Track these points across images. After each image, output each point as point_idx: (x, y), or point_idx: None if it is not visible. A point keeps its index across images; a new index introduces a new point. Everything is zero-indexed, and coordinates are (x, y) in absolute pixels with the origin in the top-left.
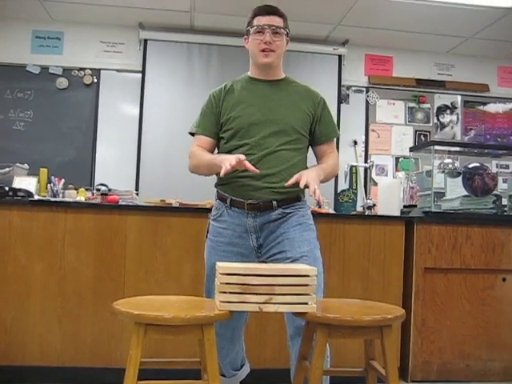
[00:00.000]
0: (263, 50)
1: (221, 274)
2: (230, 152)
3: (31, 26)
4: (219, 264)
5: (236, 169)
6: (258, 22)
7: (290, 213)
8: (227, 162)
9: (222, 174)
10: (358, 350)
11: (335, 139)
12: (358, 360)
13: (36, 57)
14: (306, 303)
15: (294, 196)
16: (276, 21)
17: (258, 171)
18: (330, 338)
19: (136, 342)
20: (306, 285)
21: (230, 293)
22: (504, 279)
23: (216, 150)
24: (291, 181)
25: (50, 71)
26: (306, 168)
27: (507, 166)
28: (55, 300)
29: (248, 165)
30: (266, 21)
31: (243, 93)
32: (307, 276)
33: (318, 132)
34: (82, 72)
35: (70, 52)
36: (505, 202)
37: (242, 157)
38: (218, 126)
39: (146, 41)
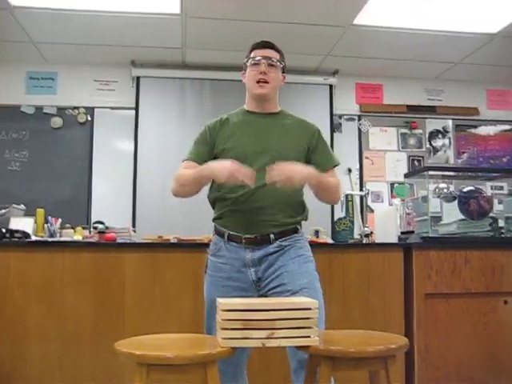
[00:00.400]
0: (258, 81)
1: (222, 310)
2: (224, 184)
3: (25, 68)
4: (220, 300)
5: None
6: (254, 55)
7: (287, 245)
8: (223, 169)
9: (221, 181)
10: (362, 380)
11: (334, 169)
12: None
13: (30, 97)
14: (309, 336)
15: (292, 228)
16: (272, 54)
17: (253, 184)
18: (334, 370)
19: (139, 382)
20: (308, 318)
21: (232, 329)
22: (505, 302)
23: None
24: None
25: (45, 111)
26: (302, 199)
27: (502, 188)
28: (54, 341)
29: (244, 173)
30: (262, 53)
31: (239, 124)
32: (309, 309)
33: (315, 162)
34: (76, 111)
35: (63, 91)
36: (501, 223)
37: (236, 165)
38: (210, 155)
39: (138, 78)
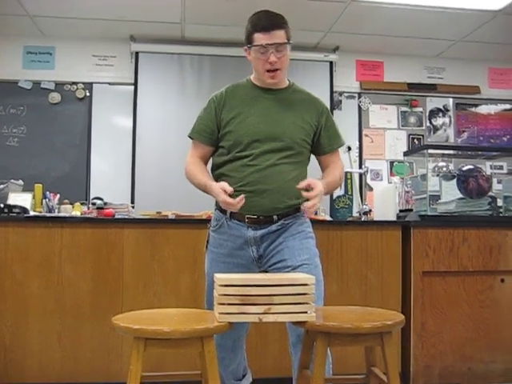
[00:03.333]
0: (268, 71)
1: (219, 285)
2: (229, 162)
3: (22, 42)
4: (217, 276)
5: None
6: (258, 41)
7: (289, 222)
8: (221, 198)
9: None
10: (358, 356)
11: (339, 149)
12: (359, 366)
13: (28, 72)
14: (306, 312)
15: (294, 208)
16: (278, 36)
17: (239, 207)
18: (330, 346)
19: (136, 356)
20: (305, 294)
21: (229, 304)
22: (502, 280)
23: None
24: (303, 184)
25: (42, 86)
26: (306, 176)
27: (501, 167)
28: (53, 316)
29: (233, 206)
30: (267, 39)
31: (245, 101)
32: (305, 285)
33: (322, 143)
34: (75, 86)
35: (61, 66)
36: (500, 203)
37: (228, 188)
38: (215, 133)
39: (137, 53)
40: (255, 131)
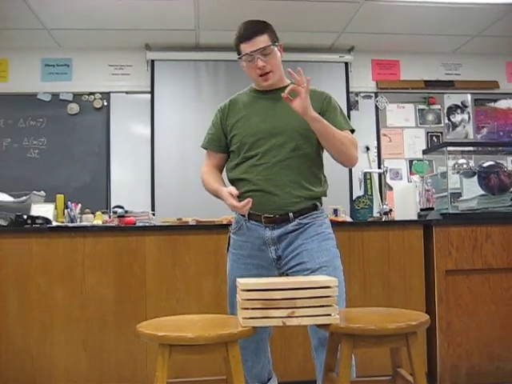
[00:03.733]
0: (261, 75)
1: (242, 290)
2: (240, 164)
3: (40, 55)
4: (240, 280)
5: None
6: (244, 50)
7: (307, 223)
8: (229, 202)
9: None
10: (384, 357)
11: (348, 131)
12: (385, 368)
13: (46, 84)
14: (329, 314)
15: (311, 206)
16: (260, 41)
17: (245, 210)
18: (355, 348)
19: (161, 363)
20: (328, 296)
21: (253, 309)
22: None
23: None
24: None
25: (61, 97)
26: (319, 172)
27: None
28: (78, 325)
29: (239, 209)
30: (251, 47)
31: (248, 105)
32: (328, 287)
33: None
34: (92, 96)
35: (79, 77)
36: None
37: (234, 191)
38: (225, 140)
39: (153, 61)
40: (257, 130)
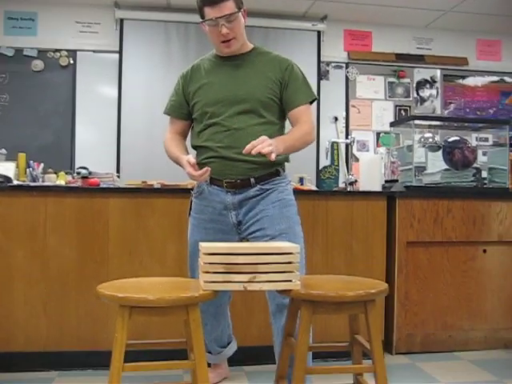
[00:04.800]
0: (223, 42)
1: (204, 254)
2: (202, 132)
3: (3, 7)
4: (202, 244)
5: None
6: (208, 15)
7: (269, 189)
8: (187, 170)
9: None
10: (342, 325)
11: (308, 106)
12: (343, 335)
13: (9, 38)
14: (290, 280)
15: (273, 171)
16: (226, 7)
17: (203, 179)
18: (315, 314)
19: (121, 324)
20: (290, 262)
21: (214, 272)
22: (484, 251)
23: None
24: (247, 147)
25: (25, 53)
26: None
27: (487, 139)
28: (39, 285)
29: (196, 173)
30: (216, 12)
31: (209, 71)
32: (290, 253)
33: (286, 98)
34: (58, 53)
35: (44, 33)
36: (484, 174)
37: (192, 160)
38: (187, 107)
39: (122, 20)
40: (219, 98)
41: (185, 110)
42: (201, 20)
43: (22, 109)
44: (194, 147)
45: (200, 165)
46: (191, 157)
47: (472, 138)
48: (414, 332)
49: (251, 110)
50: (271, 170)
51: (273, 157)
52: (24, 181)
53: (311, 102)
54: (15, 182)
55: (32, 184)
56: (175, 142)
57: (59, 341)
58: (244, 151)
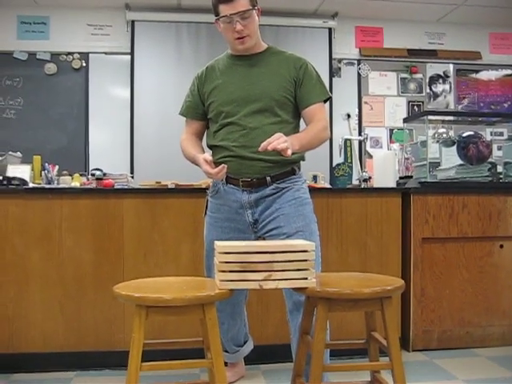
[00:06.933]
0: (238, 38)
1: (219, 252)
2: (217, 131)
3: (16, 12)
4: (218, 243)
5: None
6: (223, 12)
7: (284, 188)
8: (203, 168)
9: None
10: (359, 322)
11: (322, 104)
12: (360, 332)
13: (22, 43)
14: (306, 278)
15: (289, 170)
16: (241, 4)
17: (219, 176)
18: (331, 311)
19: (138, 324)
20: (305, 260)
21: (230, 271)
22: (501, 246)
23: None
24: (263, 144)
25: (38, 57)
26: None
27: (501, 134)
28: (55, 287)
29: (214, 175)
30: (231, 9)
31: (224, 71)
32: (305, 251)
33: (300, 97)
34: (71, 56)
35: (56, 37)
36: (500, 169)
37: (209, 158)
38: (203, 107)
39: (133, 22)
40: (234, 97)
41: (200, 110)
42: (215, 18)
43: (35, 112)
44: (210, 147)
45: (216, 164)
46: (207, 155)
47: (486, 133)
48: (431, 328)
49: (266, 108)
50: (287, 168)
51: (288, 153)
52: (39, 183)
53: (325, 101)
54: (31, 185)
55: (47, 186)
56: (191, 143)
57: (76, 341)
58: (260, 149)
